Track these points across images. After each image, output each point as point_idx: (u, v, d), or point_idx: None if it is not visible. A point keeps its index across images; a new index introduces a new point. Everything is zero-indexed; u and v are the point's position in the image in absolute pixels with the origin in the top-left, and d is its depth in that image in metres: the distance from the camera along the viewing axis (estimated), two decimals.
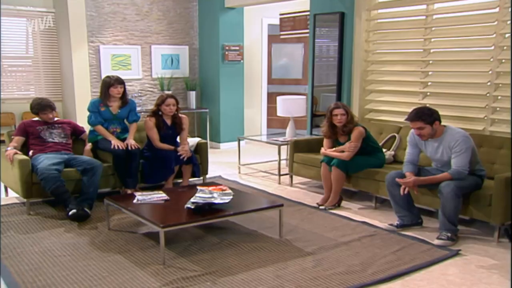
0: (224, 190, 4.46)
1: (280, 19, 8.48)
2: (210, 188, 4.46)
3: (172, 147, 5.40)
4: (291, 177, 6.02)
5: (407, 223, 4.49)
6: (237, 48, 8.51)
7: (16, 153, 4.83)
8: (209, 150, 8.16)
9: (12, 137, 5.07)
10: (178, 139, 5.66)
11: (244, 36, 8.67)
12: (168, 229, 3.67)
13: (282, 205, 4.24)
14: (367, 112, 6.31)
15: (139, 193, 4.41)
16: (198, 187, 4.43)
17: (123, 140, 5.34)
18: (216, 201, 4.02)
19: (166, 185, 5.41)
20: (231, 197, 4.14)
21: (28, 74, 7.74)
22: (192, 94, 8.34)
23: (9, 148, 4.91)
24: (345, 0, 6.34)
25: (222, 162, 7.36)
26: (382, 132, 5.71)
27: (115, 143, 5.20)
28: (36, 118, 5.17)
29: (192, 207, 3.91)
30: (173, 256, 3.80)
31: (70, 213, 4.53)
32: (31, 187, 4.75)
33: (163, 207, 4.09)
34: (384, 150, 5.44)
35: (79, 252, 3.87)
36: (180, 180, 5.60)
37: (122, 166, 5.18)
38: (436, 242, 4.12)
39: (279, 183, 6.13)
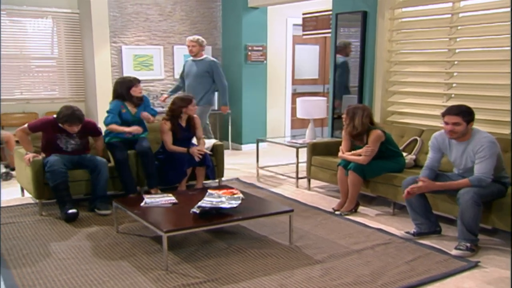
0: (235, 194, 4.37)
1: (303, 18, 8.32)
2: (221, 191, 4.39)
3: (184, 149, 5.30)
4: (309, 180, 5.87)
5: (424, 231, 4.29)
6: (260, 48, 8.40)
7: (35, 157, 4.77)
8: (230, 152, 8.19)
9: (26, 125, 4.86)
10: (194, 140, 5.60)
11: (268, 36, 8.54)
12: (171, 234, 3.58)
13: (292, 211, 4.10)
14: (389, 114, 6.10)
15: (148, 195, 4.35)
16: (209, 191, 4.37)
17: (139, 139, 5.33)
18: (223, 206, 3.92)
19: (179, 187, 5.33)
20: (240, 201, 4.03)
21: (53, 74, 7.81)
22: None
23: (28, 153, 4.84)
24: None
25: (241, 164, 7.25)
26: (404, 135, 5.50)
27: (130, 130, 5.20)
28: (59, 124, 4.86)
29: (197, 211, 3.81)
30: (177, 262, 3.71)
31: (69, 211, 4.57)
32: (43, 188, 4.75)
33: (170, 211, 4.01)
34: (405, 154, 5.23)
35: (83, 255, 3.82)
36: (194, 182, 5.51)
37: (126, 170, 5.12)
38: (454, 252, 3.92)
39: (297, 186, 5.98)
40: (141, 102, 5.39)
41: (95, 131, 5.20)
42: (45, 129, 4.89)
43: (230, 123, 8.45)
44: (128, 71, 7.82)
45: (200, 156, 5.29)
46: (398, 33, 6.04)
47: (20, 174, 5.17)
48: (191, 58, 6.96)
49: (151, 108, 5.56)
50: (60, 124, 4.81)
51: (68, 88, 7.85)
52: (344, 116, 5.00)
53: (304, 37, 8.48)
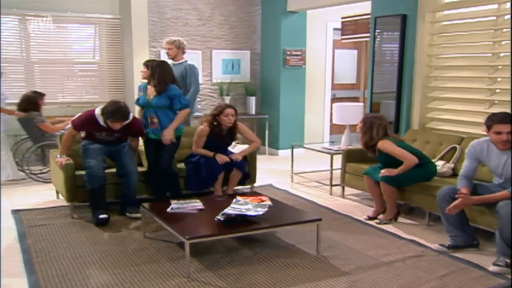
0: (263, 201, 4.30)
1: (342, 23, 8.17)
2: (249, 198, 4.33)
3: (211, 154, 5.24)
4: (343, 188, 5.73)
5: (460, 244, 4.09)
6: (299, 53, 8.30)
7: (67, 160, 4.82)
8: (267, 157, 8.11)
9: (71, 126, 4.88)
10: (232, 148, 5.62)
11: (307, 40, 8.43)
12: (193, 241, 3.54)
13: (319, 220, 3.99)
14: (428, 120, 5.89)
15: (175, 201, 4.33)
16: (237, 197, 4.31)
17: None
18: (249, 213, 3.85)
19: (215, 192, 5.29)
20: (266, 209, 3.95)
21: (95, 79, 7.95)
22: (252, 100, 8.23)
23: (58, 156, 4.88)
24: (408, 1, 5.96)
25: (277, 170, 7.17)
26: (443, 142, 5.28)
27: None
28: (99, 120, 4.75)
29: (222, 219, 3.76)
30: (200, 269, 3.66)
31: (100, 216, 4.60)
32: (75, 191, 4.82)
33: (195, 217, 3.97)
34: (442, 162, 5.03)
35: (108, 259, 3.83)
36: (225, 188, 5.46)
37: (152, 176, 5.13)
38: (492, 268, 3.70)
39: (331, 194, 5.85)
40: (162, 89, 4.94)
41: (139, 133, 5.05)
42: (89, 126, 4.81)
43: (267, 128, 8.39)
44: None
45: (223, 162, 5.22)
46: (439, 36, 5.83)
47: (54, 177, 5.27)
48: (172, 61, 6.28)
49: (179, 100, 4.94)
50: (101, 121, 4.72)
51: (108, 92, 7.98)
52: (359, 125, 4.87)
53: (343, 41, 8.32)
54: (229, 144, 5.52)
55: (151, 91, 4.96)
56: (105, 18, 7.92)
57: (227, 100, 8.10)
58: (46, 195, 5.63)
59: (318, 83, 8.86)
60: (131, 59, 7.61)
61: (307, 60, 8.45)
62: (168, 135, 4.90)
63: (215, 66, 8.34)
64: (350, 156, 5.57)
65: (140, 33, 7.63)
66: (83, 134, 4.92)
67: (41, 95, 6.50)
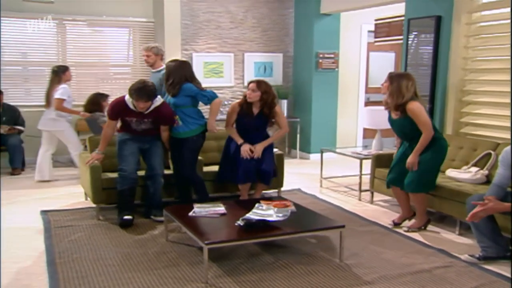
0: (287, 206, 4.23)
1: (375, 25, 8.00)
2: (273, 203, 4.27)
3: (239, 140, 5.04)
4: (372, 193, 5.59)
5: (491, 255, 3.91)
6: (332, 55, 8.18)
7: (98, 159, 4.82)
8: (298, 161, 8.03)
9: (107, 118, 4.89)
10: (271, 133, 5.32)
11: (340, 43, 8.30)
12: (212, 246, 3.50)
13: (342, 226, 3.89)
14: (462, 125, 5.69)
15: (198, 205, 4.30)
16: (260, 202, 4.26)
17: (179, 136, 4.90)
18: (270, 219, 3.79)
19: (241, 196, 5.24)
20: (288, 215, 3.88)
21: (128, 81, 8.01)
22: (284, 103, 8.15)
23: (96, 151, 4.85)
24: (443, 2, 5.78)
25: (307, 174, 7.07)
26: (477, 148, 5.08)
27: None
28: (129, 104, 4.68)
29: (242, 224, 3.71)
30: (219, 274, 3.62)
31: (125, 217, 4.62)
32: (101, 193, 4.86)
33: (216, 222, 3.93)
34: (476, 168, 4.84)
35: (129, 262, 3.83)
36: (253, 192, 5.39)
37: (179, 179, 5.08)
38: None
39: (359, 199, 5.72)
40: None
41: (168, 119, 4.83)
42: (120, 112, 4.74)
43: (298, 132, 8.30)
44: (199, 79, 7.88)
45: (248, 156, 4.97)
46: (475, 38, 5.63)
47: (82, 178, 5.33)
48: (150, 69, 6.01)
49: (202, 95, 4.82)
50: (130, 105, 4.65)
51: None
52: (385, 84, 4.51)
53: (376, 43, 8.15)
54: (262, 126, 5.12)
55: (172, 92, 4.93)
56: (139, 22, 8.03)
57: None
58: (76, 196, 5.70)
59: (351, 86, 8.71)
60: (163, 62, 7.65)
61: (340, 63, 8.31)
62: (211, 127, 4.89)
63: (247, 69, 8.31)
64: (379, 161, 5.43)
65: (173, 36, 7.69)
66: (118, 124, 4.90)
67: (105, 96, 6.67)
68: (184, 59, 6.42)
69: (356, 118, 8.93)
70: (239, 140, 5.06)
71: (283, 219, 3.81)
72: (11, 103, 7.24)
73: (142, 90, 4.53)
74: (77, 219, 4.88)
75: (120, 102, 4.73)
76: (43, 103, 6.48)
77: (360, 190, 5.74)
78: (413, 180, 4.50)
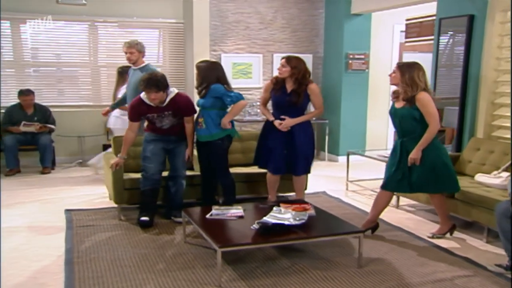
0: (307, 209, 4.15)
1: (406, 25, 7.82)
2: (292, 206, 4.20)
3: (270, 117, 4.87)
4: (398, 198, 5.45)
5: None
6: (362, 56, 8.04)
7: (119, 164, 4.79)
8: (326, 163, 7.93)
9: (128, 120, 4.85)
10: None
11: (371, 43, 8.15)
12: (225, 249, 3.46)
13: (361, 232, 3.79)
14: (494, 129, 5.48)
15: (217, 207, 4.27)
16: (280, 205, 4.20)
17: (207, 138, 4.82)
18: (286, 223, 3.73)
19: (269, 197, 5.16)
20: (306, 219, 3.81)
21: None
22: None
23: (119, 156, 4.84)
24: (476, 1, 5.59)
25: (334, 177, 6.95)
26: (509, 152, 4.88)
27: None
28: (145, 100, 4.65)
29: (257, 227, 3.66)
30: (234, 278, 3.58)
31: (142, 218, 4.63)
32: (122, 193, 4.88)
33: (233, 225, 3.89)
34: (507, 174, 4.65)
35: (145, 263, 3.83)
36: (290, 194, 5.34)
37: (203, 181, 5.05)
38: None
39: None
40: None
41: (187, 108, 4.76)
42: (139, 111, 4.71)
43: (327, 133, 8.19)
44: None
45: (283, 128, 4.79)
46: (510, 38, 5.41)
47: (106, 179, 5.38)
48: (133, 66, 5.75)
49: (228, 95, 4.73)
50: (147, 100, 4.62)
51: None
52: (394, 74, 4.31)
53: (407, 44, 7.96)
54: (296, 103, 4.79)
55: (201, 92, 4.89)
56: (169, 23, 8.08)
57: None
58: (101, 196, 5.76)
59: (382, 88, 8.52)
60: (192, 63, 7.67)
61: (370, 64, 8.16)
62: (224, 123, 4.74)
63: (276, 70, 8.19)
64: None
65: (202, 37, 7.70)
66: (145, 124, 4.90)
67: None
68: (214, 59, 6.43)
69: (387, 120, 8.71)
70: (270, 117, 4.91)
71: (300, 223, 3.75)
72: (45, 103, 7.40)
73: (150, 81, 4.49)
74: (99, 219, 4.91)
75: (137, 100, 4.72)
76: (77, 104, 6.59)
77: None
78: (426, 180, 4.29)
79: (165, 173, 4.89)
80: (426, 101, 4.16)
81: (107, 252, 4.06)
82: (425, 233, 4.60)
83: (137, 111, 4.74)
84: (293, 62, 4.79)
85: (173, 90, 4.74)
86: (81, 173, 6.99)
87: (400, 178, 4.35)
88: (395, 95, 4.38)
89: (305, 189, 5.50)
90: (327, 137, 8.19)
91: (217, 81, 4.81)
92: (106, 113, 6.38)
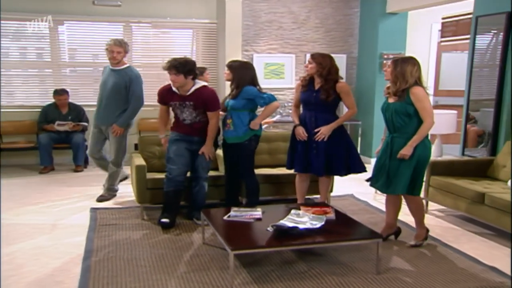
0: (327, 213, 4.07)
1: (442, 23, 7.56)
2: (313, 209, 4.13)
3: (296, 121, 4.77)
4: (427, 202, 5.27)
5: None
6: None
7: (165, 141, 4.86)
8: None
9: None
10: None
11: (407, 43, 7.94)
12: (237, 252, 3.42)
13: (380, 237, 3.68)
14: None
15: (236, 208, 4.24)
16: (301, 207, 4.14)
17: (238, 140, 4.80)
18: (302, 226, 3.66)
19: (298, 199, 5.07)
20: (323, 223, 3.73)
21: None
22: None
23: (161, 136, 4.93)
24: None
25: (364, 180, 6.78)
26: None
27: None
28: (173, 87, 4.67)
29: (271, 230, 3.60)
30: (247, 281, 3.53)
31: (162, 220, 4.62)
32: (145, 192, 4.91)
33: (249, 227, 3.84)
34: None
35: (161, 264, 3.83)
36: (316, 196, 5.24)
37: (227, 182, 5.01)
38: None
39: None
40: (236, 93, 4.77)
41: (209, 101, 4.66)
42: (164, 96, 4.76)
43: (360, 135, 8.03)
44: (259, 80, 7.84)
45: (302, 139, 4.70)
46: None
47: (132, 178, 5.42)
48: (110, 65, 5.50)
49: (260, 97, 4.70)
50: (173, 87, 4.65)
51: None
52: (388, 69, 4.11)
53: (442, 43, 7.71)
54: (323, 101, 4.63)
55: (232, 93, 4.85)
56: (202, 23, 8.10)
57: None
58: (129, 195, 5.81)
59: None
60: (224, 63, 7.67)
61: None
62: (254, 124, 4.75)
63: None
64: (435, 168, 5.12)
65: (234, 37, 7.69)
66: (172, 123, 4.90)
67: None
68: (245, 60, 6.40)
69: None
70: (296, 121, 4.82)
71: (316, 227, 3.66)
72: (81, 103, 7.55)
73: (172, 62, 4.51)
74: (122, 218, 4.96)
75: (166, 86, 4.80)
76: None
77: None
78: (410, 181, 4.10)
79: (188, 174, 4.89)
80: (421, 96, 3.98)
81: (125, 252, 4.08)
82: (451, 240, 4.45)
83: (162, 95, 4.79)
84: (318, 59, 4.67)
85: (201, 82, 4.73)
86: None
87: (378, 173, 4.26)
88: (388, 91, 4.20)
89: (331, 191, 5.41)
90: (359, 139, 8.03)
91: (251, 81, 4.78)
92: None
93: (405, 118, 4.04)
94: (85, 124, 7.34)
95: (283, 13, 8.01)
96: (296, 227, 3.60)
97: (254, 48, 7.96)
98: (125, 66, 5.43)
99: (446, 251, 4.18)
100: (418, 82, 4.05)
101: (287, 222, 3.71)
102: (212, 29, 8.15)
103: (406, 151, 4.01)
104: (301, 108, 4.92)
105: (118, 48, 5.34)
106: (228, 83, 4.98)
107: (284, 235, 3.58)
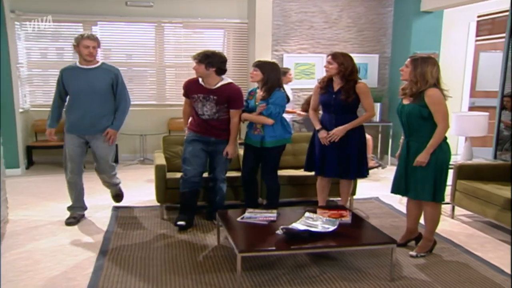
0: (343, 216, 3.99)
1: (477, 22, 7.29)
2: (329, 212, 4.05)
3: (317, 125, 4.66)
4: (453, 207, 5.09)
5: None
6: (431, 56, 7.59)
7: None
8: (389, 168, 7.58)
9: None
10: None
11: (442, 42, 7.70)
12: (245, 254, 3.37)
13: (394, 243, 3.56)
14: None
15: (251, 210, 4.20)
16: (317, 210, 4.07)
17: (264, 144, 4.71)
18: (314, 230, 3.58)
19: (319, 202, 4.99)
20: (335, 227, 3.65)
21: None
22: (377, 106, 7.73)
23: (184, 129, 4.90)
24: None
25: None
26: None
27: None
28: (200, 80, 4.64)
29: (281, 233, 3.54)
30: (256, 284, 3.48)
31: (178, 222, 4.60)
32: (164, 192, 4.93)
33: (261, 229, 3.77)
34: None
35: (173, 264, 3.82)
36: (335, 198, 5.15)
37: (246, 183, 4.96)
38: None
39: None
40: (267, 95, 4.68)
41: (234, 98, 4.60)
42: (187, 88, 4.71)
43: (391, 137, 7.84)
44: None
45: (326, 143, 4.58)
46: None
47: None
48: (80, 65, 4.65)
49: (274, 105, 4.61)
50: (200, 80, 4.62)
51: None
52: (406, 68, 3.92)
53: (477, 43, 7.43)
54: (343, 103, 4.52)
55: (260, 95, 4.75)
56: (233, 23, 8.10)
57: None
58: (153, 193, 5.84)
59: (453, 90, 7.95)
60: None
61: (440, 64, 7.66)
62: (244, 117, 4.71)
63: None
64: (462, 172, 4.94)
65: (263, 36, 7.67)
66: (189, 122, 4.87)
67: None
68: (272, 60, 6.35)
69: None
70: (317, 126, 4.71)
71: (328, 230, 3.58)
72: None
73: (203, 52, 4.54)
74: (143, 217, 5.00)
75: (193, 78, 4.74)
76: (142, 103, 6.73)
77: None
78: (431, 186, 3.90)
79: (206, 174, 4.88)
80: (437, 98, 3.79)
81: (140, 251, 4.10)
82: (476, 247, 4.27)
83: (188, 87, 4.72)
84: (339, 58, 4.56)
85: (228, 79, 4.69)
86: (141, 171, 7.17)
87: (398, 178, 4.10)
88: (403, 92, 4.01)
89: (354, 194, 5.31)
90: (390, 140, 7.84)
91: (278, 83, 4.73)
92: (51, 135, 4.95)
93: (419, 120, 3.87)
94: None
95: (314, 12, 7.92)
96: (306, 231, 3.53)
97: (284, 48, 7.90)
98: (101, 62, 4.72)
99: (469, 259, 4.01)
100: (437, 83, 3.89)
101: (298, 225, 3.65)
102: (243, 29, 8.13)
103: (422, 158, 3.84)
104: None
105: (94, 43, 4.58)
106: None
107: (294, 238, 3.52)
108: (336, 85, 4.59)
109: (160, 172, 4.89)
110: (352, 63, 4.58)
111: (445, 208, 5.25)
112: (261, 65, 4.72)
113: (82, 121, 4.65)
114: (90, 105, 4.61)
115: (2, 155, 4.83)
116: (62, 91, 4.70)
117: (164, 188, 4.92)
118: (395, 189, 4.17)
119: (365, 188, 5.79)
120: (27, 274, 3.66)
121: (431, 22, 7.60)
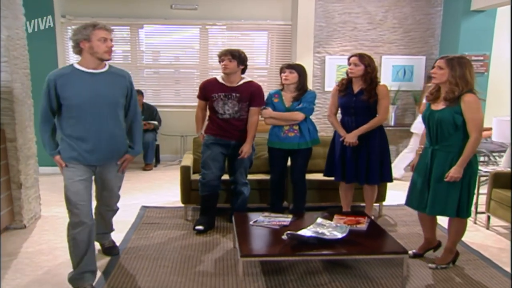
0: (360, 223, 3.86)
1: None
2: (346, 218, 3.93)
3: (342, 132, 4.51)
4: (488, 217, 4.79)
5: None
6: (481, 58, 7.24)
7: (201, 138, 4.77)
8: None
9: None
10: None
11: (494, 43, 7.31)
12: (246, 259, 3.32)
13: (405, 253, 3.38)
14: None
15: (267, 213, 4.13)
16: (335, 216, 3.96)
17: (298, 147, 4.66)
18: (322, 236, 3.48)
19: (343, 207, 4.88)
20: (345, 234, 3.52)
21: (266, 84, 8.07)
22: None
23: (198, 134, 4.84)
24: None
25: None
26: None
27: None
28: (220, 79, 4.59)
29: (285, 238, 3.46)
30: None
31: (196, 227, 4.60)
32: (189, 193, 4.95)
33: (271, 234, 3.69)
34: None
35: (184, 266, 3.82)
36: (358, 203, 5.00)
37: (275, 188, 4.88)
38: None
39: (475, 222, 4.94)
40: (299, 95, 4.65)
41: (257, 95, 4.56)
42: (206, 89, 4.62)
43: None
44: (330, 82, 7.67)
45: (350, 145, 4.47)
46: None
47: None
48: (82, 67, 3.31)
49: (306, 104, 4.60)
50: (220, 79, 4.57)
51: None
52: (441, 70, 3.54)
53: None
54: (364, 105, 4.42)
55: (288, 97, 4.69)
56: (277, 24, 8.05)
57: (392, 109, 7.53)
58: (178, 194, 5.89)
59: (505, 93, 7.61)
60: None
61: (491, 66, 7.32)
62: (264, 113, 4.65)
63: (385, 73, 7.78)
64: (498, 181, 4.64)
65: (305, 38, 7.58)
66: (206, 125, 4.81)
67: None
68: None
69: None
70: (342, 132, 4.53)
71: (337, 237, 3.46)
72: (153, 104, 7.84)
73: (229, 49, 4.54)
74: (167, 217, 5.04)
75: (210, 78, 4.71)
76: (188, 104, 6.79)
77: (476, 212, 4.96)
78: (454, 201, 3.62)
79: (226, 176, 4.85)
80: (474, 105, 3.46)
81: (155, 251, 4.13)
82: (507, 261, 4.00)
83: (205, 88, 4.63)
84: (366, 60, 4.44)
85: (249, 78, 4.65)
86: (178, 171, 7.21)
87: (419, 191, 3.79)
88: (433, 96, 3.71)
89: (383, 200, 5.13)
90: None
91: (307, 84, 4.74)
92: None
93: (450, 129, 3.56)
94: (155, 123, 7.59)
95: (358, 13, 7.73)
96: (312, 237, 3.43)
97: (326, 49, 7.76)
98: (108, 65, 3.46)
99: (495, 273, 3.75)
100: (472, 87, 3.57)
101: (306, 231, 3.55)
102: (287, 31, 8.06)
103: (456, 173, 3.53)
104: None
105: (111, 35, 3.37)
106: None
107: (301, 244, 3.43)
108: (356, 87, 4.48)
109: (185, 173, 4.92)
110: (375, 65, 4.49)
111: (480, 217, 4.98)
112: (297, 67, 4.69)
113: (98, 146, 3.35)
114: (104, 122, 3.33)
115: (36, 153, 5.01)
116: (55, 105, 3.28)
117: (189, 189, 4.94)
118: (414, 204, 3.86)
119: (396, 195, 5.57)
120: (44, 269, 3.78)
121: (482, 21, 7.23)
